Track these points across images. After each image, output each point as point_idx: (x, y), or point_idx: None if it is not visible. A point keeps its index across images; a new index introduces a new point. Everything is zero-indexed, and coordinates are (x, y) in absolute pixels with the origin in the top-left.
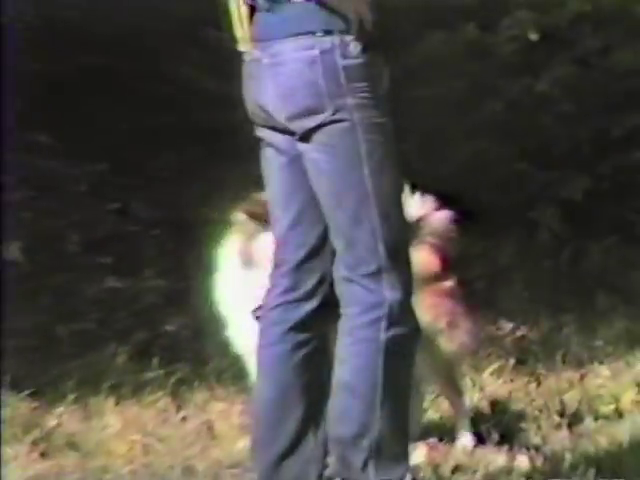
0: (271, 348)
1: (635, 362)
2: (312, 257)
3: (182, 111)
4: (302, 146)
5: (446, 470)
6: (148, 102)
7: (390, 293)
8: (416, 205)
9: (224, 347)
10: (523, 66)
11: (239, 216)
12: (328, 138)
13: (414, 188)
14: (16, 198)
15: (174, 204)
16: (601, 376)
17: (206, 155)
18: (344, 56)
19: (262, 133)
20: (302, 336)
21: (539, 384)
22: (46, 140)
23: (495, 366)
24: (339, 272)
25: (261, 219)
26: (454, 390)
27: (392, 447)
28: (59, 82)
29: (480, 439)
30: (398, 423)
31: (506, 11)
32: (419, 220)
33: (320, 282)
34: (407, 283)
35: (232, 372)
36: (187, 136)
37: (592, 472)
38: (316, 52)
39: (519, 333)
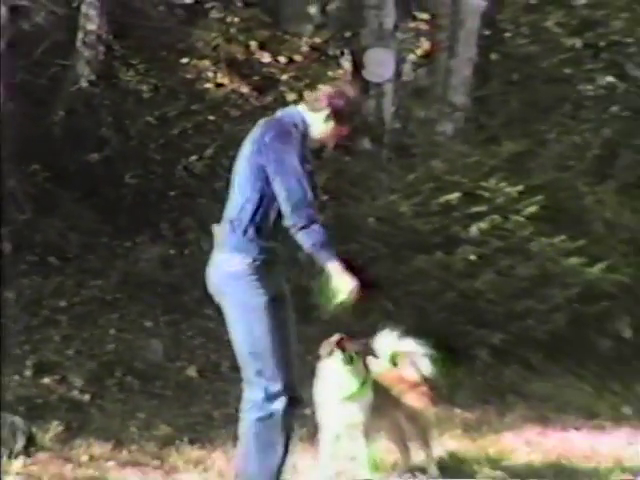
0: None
1: None
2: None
3: None
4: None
5: None
6: None
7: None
8: (398, 339)
9: None
10: None
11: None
12: (228, 306)
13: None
14: None
15: None
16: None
17: None
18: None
19: None
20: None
21: (474, 442)
22: None
23: (450, 433)
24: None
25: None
26: (426, 444)
27: None
28: None
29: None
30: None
31: None
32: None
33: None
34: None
35: None
36: None
37: None
38: (247, 261)
39: (463, 416)
